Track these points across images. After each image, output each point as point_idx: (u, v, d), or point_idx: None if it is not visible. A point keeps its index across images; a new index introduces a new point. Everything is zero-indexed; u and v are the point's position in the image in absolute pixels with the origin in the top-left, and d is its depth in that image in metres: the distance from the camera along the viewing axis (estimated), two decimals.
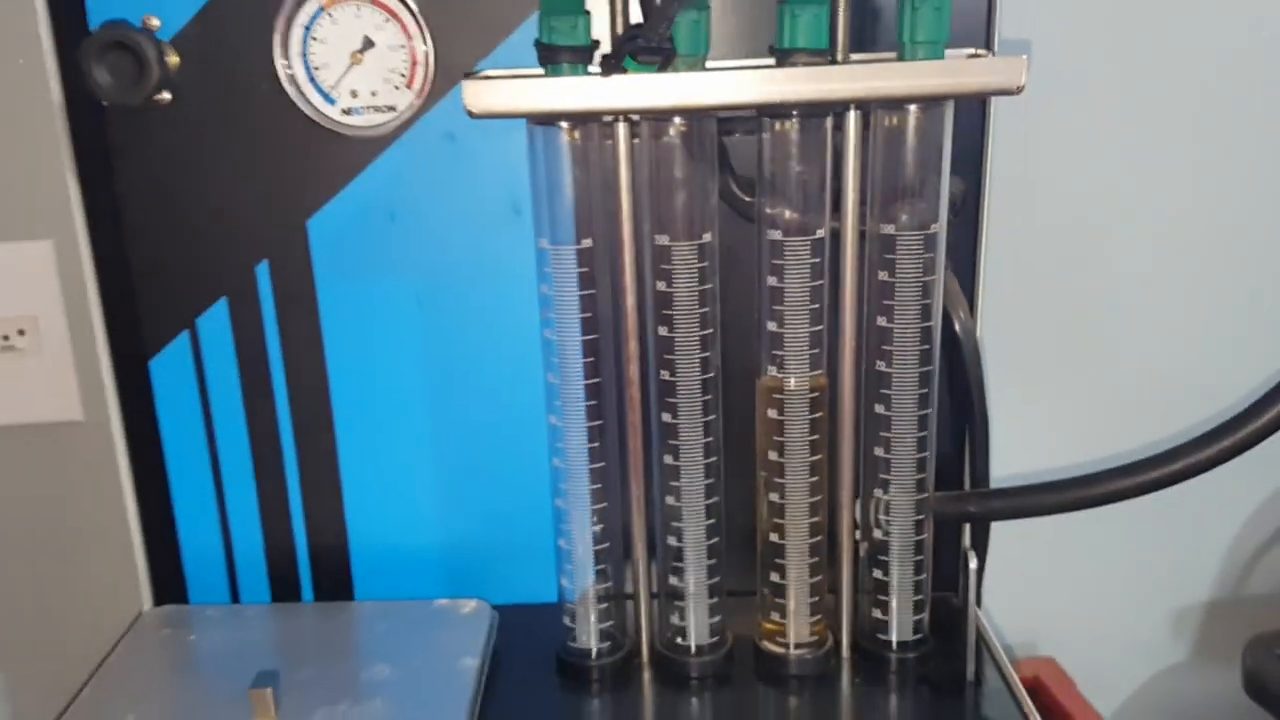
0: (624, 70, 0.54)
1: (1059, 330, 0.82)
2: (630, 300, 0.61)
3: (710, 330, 0.61)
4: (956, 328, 0.67)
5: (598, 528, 0.64)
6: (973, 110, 0.65)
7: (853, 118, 0.58)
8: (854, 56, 0.59)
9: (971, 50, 0.62)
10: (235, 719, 0.59)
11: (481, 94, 0.54)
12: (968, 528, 0.71)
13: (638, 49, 0.52)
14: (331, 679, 0.63)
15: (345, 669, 0.64)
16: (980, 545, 0.72)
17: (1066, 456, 0.82)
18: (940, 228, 0.59)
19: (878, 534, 0.65)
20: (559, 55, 0.56)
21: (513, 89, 0.54)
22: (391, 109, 0.66)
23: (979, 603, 0.71)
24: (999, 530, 0.75)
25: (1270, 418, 0.62)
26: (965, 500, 0.69)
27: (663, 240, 0.59)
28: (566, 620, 0.67)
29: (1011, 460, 0.80)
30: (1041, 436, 0.83)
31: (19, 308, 0.84)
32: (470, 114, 0.55)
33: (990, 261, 0.69)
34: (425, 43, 0.64)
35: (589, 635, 0.66)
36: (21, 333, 0.86)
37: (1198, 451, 0.64)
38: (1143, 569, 0.91)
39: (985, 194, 0.67)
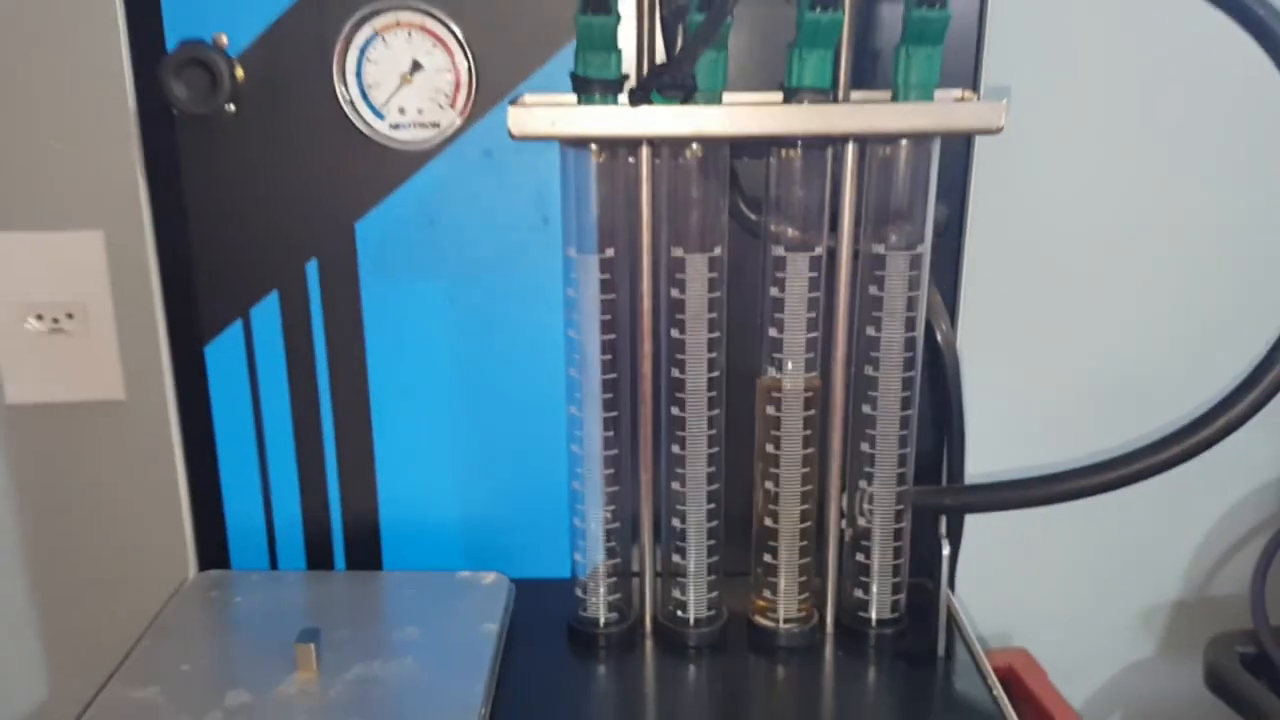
0: (650, 102, 0.61)
1: (1033, 339, 0.89)
2: (647, 304, 0.68)
3: (717, 334, 0.68)
4: (939, 338, 0.74)
5: (609, 509, 0.71)
6: (958, 141, 0.72)
7: (850, 149, 0.65)
8: (854, 94, 0.66)
9: (960, 92, 0.69)
10: (280, 670, 0.66)
11: (523, 119, 0.61)
12: (944, 519, 0.78)
13: (664, 85, 0.59)
14: (365, 639, 0.69)
15: (377, 630, 0.70)
16: (955, 535, 0.79)
17: (1040, 455, 0.88)
18: (925, 249, 0.66)
19: (861, 522, 0.72)
20: (592, 87, 0.63)
21: (551, 115, 0.61)
22: (435, 125, 0.73)
23: (952, 587, 0.78)
24: (979, 527, 0.81)
25: (1218, 426, 0.69)
26: (942, 494, 0.76)
27: (678, 252, 0.66)
28: (578, 592, 0.73)
29: (992, 458, 0.86)
30: (1017, 436, 0.90)
31: (69, 293, 0.91)
32: (512, 136, 0.62)
33: (971, 277, 0.76)
34: (468, 68, 0.71)
35: (599, 607, 0.73)
36: (70, 316, 0.93)
37: (1153, 455, 0.71)
38: (1115, 567, 0.96)
39: (968, 217, 0.74)
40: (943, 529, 0.78)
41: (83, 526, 0.93)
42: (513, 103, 0.63)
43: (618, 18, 0.61)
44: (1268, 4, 0.62)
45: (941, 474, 0.78)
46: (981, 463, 0.85)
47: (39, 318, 0.93)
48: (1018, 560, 0.96)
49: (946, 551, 0.70)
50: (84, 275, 0.90)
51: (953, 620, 0.74)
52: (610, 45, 0.62)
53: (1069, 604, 0.97)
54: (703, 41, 0.57)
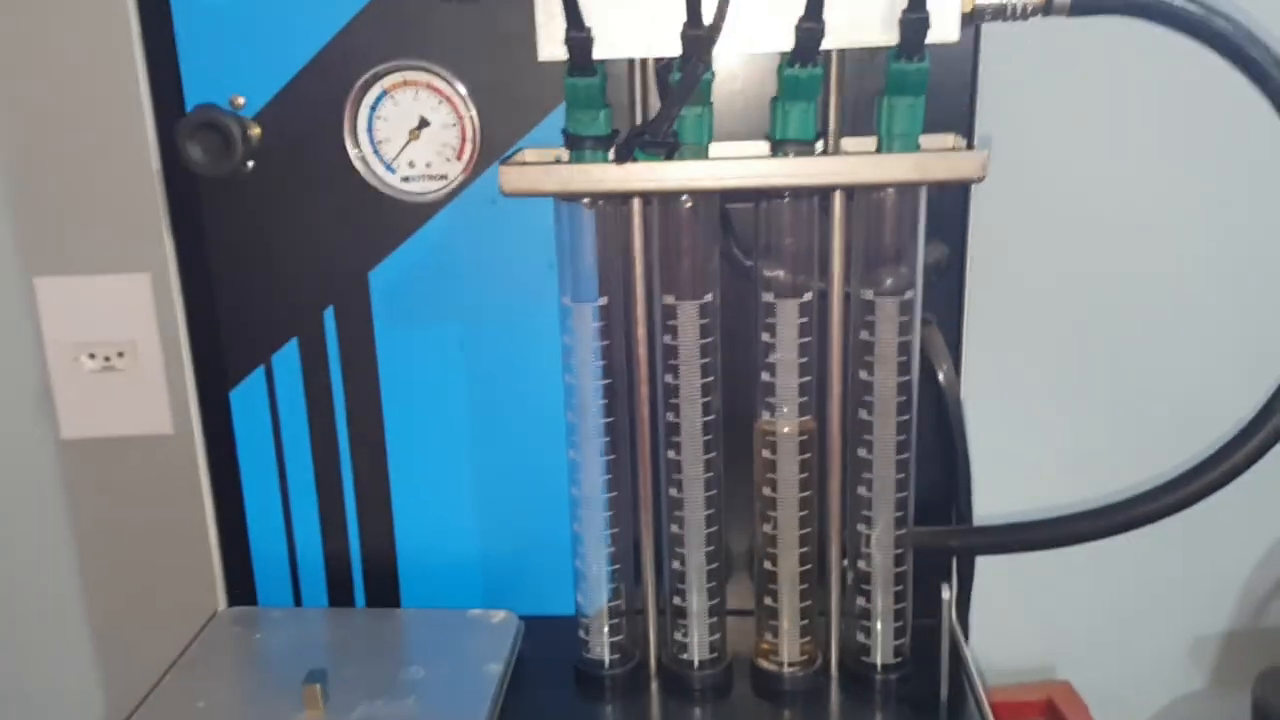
0: (634, 159, 0.62)
1: (1042, 376, 0.88)
2: (642, 351, 0.69)
3: (711, 378, 0.69)
4: (940, 378, 0.74)
5: (610, 550, 0.72)
6: None
7: (838, 197, 0.65)
8: (846, 142, 0.67)
9: (951, 138, 0.69)
10: (289, 709, 0.68)
11: (512, 177, 0.63)
12: (954, 560, 0.78)
13: (644, 143, 0.61)
14: (373, 678, 0.71)
15: (385, 669, 0.72)
16: (966, 576, 0.79)
17: (1056, 495, 0.87)
18: (915, 294, 0.67)
19: (861, 564, 0.72)
20: (583, 143, 0.65)
21: (537, 174, 0.63)
22: (443, 178, 0.75)
23: (965, 628, 0.78)
24: (1017, 555, 0.80)
25: (1224, 468, 0.68)
26: (947, 535, 0.75)
27: (669, 299, 0.67)
28: (581, 633, 0.75)
29: (1008, 497, 0.86)
30: (1031, 475, 0.89)
31: (121, 332, 0.96)
32: (503, 193, 0.64)
33: (973, 317, 0.75)
34: (473, 122, 0.74)
35: (602, 648, 0.74)
36: (121, 355, 0.98)
37: (1161, 497, 0.70)
38: (1163, 597, 0.94)
39: (969, 256, 0.74)
40: (953, 570, 0.78)
41: (120, 560, 0.98)
42: (504, 162, 0.65)
43: (603, 77, 0.63)
44: (1264, 46, 0.61)
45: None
46: (1000, 503, 0.84)
47: (91, 356, 0.98)
48: (1061, 589, 0.95)
49: (947, 596, 0.70)
50: (133, 315, 0.95)
51: (961, 664, 0.73)
52: (597, 103, 0.63)
53: (1114, 634, 0.96)
54: (677, 104, 0.59)
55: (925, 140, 0.66)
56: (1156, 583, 0.94)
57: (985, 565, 0.89)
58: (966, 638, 0.79)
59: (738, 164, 0.62)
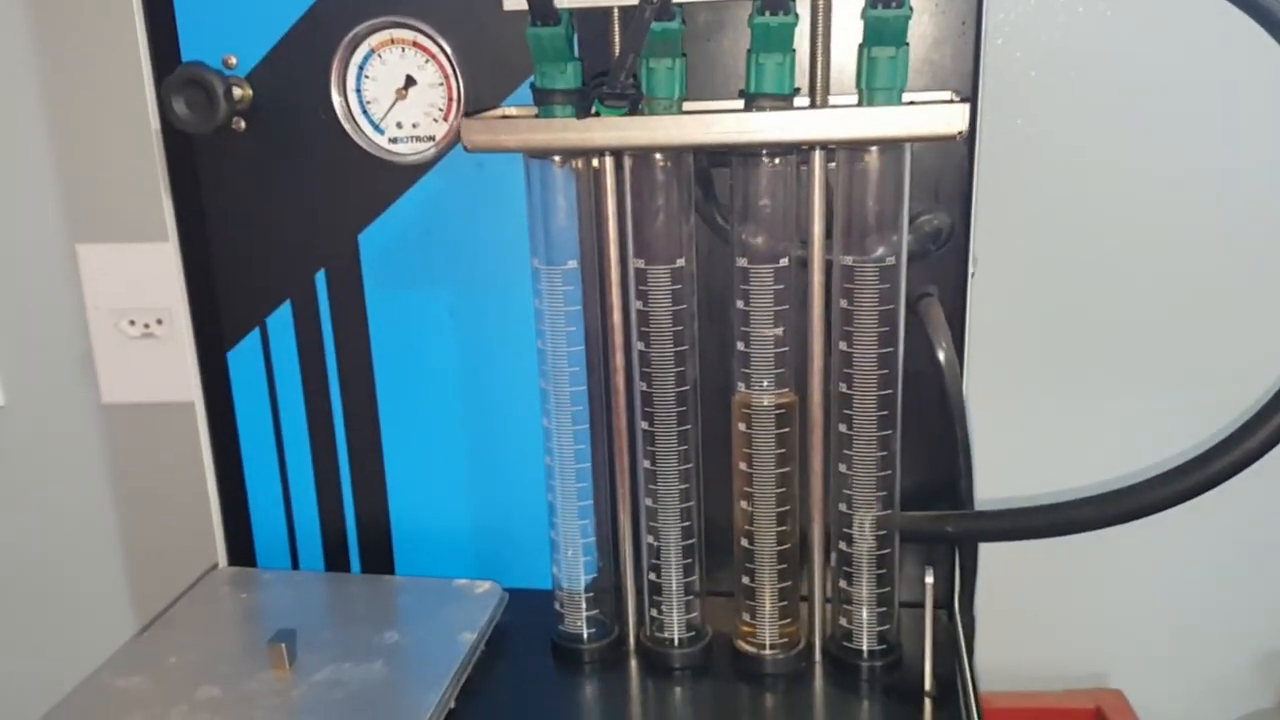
0: (595, 112, 0.60)
1: (1049, 355, 0.83)
2: (616, 317, 0.67)
3: (685, 347, 0.66)
4: (940, 356, 0.70)
5: (584, 522, 0.70)
6: (960, 146, 0.68)
7: (817, 156, 0.62)
8: (832, 98, 0.63)
9: (949, 95, 0.65)
10: (256, 668, 0.68)
11: (474, 132, 0.62)
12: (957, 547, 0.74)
13: (604, 95, 0.58)
14: (346, 641, 0.71)
15: (361, 633, 0.72)
16: (969, 563, 0.75)
17: (1060, 482, 0.82)
18: (899, 261, 0.63)
19: (844, 546, 0.68)
20: (551, 97, 0.63)
21: (500, 128, 0.62)
22: (431, 139, 0.74)
23: (967, 619, 0.74)
24: (1071, 553, 0.76)
25: (1238, 453, 0.63)
26: (943, 521, 0.71)
27: (639, 263, 0.65)
28: (557, 606, 0.73)
29: (1009, 484, 0.81)
30: (1034, 461, 0.84)
31: (161, 299, 0.97)
32: (466, 149, 0.63)
33: (978, 290, 0.71)
34: (459, 82, 0.72)
35: (578, 621, 0.72)
36: (160, 322, 1.00)
37: (1171, 483, 0.65)
38: (1229, 606, 0.89)
39: (973, 226, 0.70)
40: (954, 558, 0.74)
41: (130, 517, 1.00)
42: (468, 114, 0.63)
43: (569, 28, 0.61)
44: None
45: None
46: (1006, 488, 0.80)
47: (131, 323, 1.00)
48: (1117, 591, 0.90)
49: (930, 580, 0.66)
50: (168, 283, 0.97)
51: (957, 656, 0.69)
52: (563, 55, 0.61)
53: (1174, 643, 0.91)
54: (631, 51, 0.56)
55: (919, 98, 0.63)
56: (1223, 590, 0.89)
57: (1029, 564, 0.85)
58: (970, 630, 0.75)
59: (703, 119, 0.59)
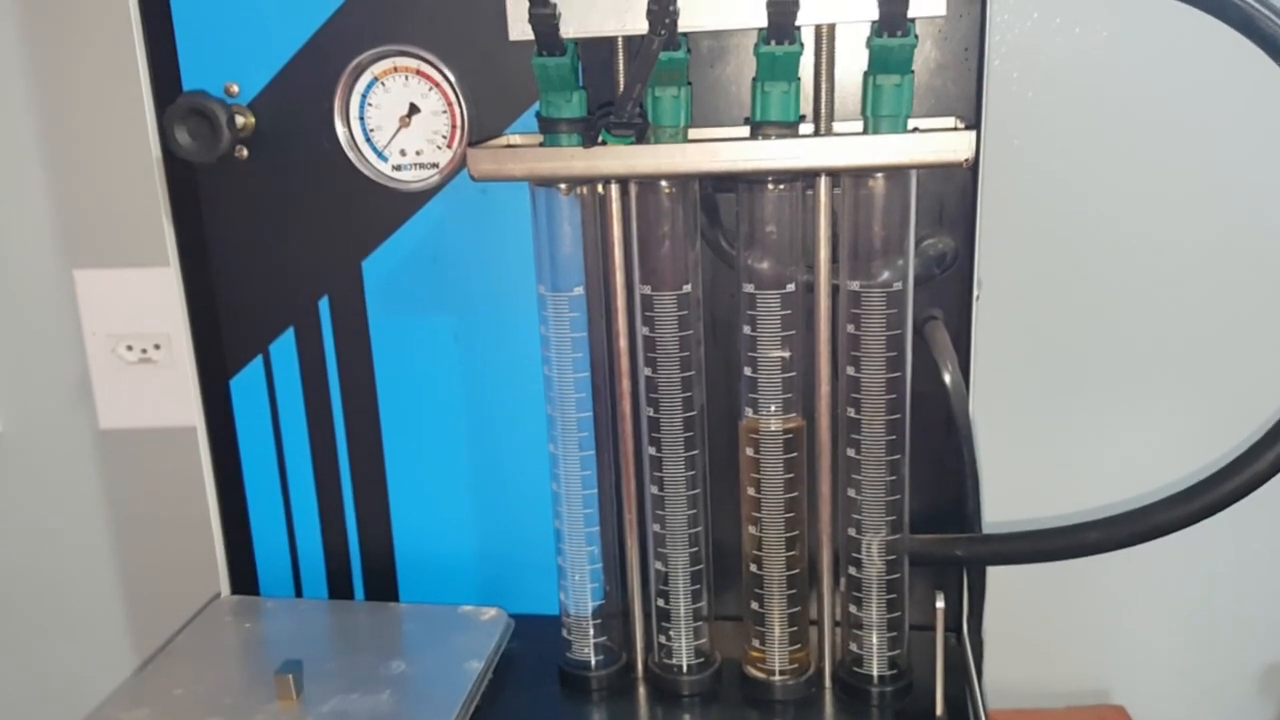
0: (601, 141, 0.60)
1: (1055, 377, 0.84)
2: (623, 343, 0.67)
3: (692, 373, 0.66)
4: (946, 379, 0.70)
5: (591, 549, 0.70)
6: (964, 171, 0.68)
7: (823, 183, 0.62)
8: (837, 125, 0.63)
9: (953, 121, 0.65)
10: (263, 699, 0.67)
11: (480, 161, 0.62)
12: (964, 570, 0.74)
13: (610, 124, 0.58)
14: (353, 671, 0.70)
15: (367, 663, 0.71)
16: (977, 587, 0.75)
17: (1068, 504, 0.83)
18: (906, 287, 0.63)
19: (853, 571, 0.68)
20: (557, 126, 0.63)
21: (505, 157, 0.62)
22: (435, 166, 0.74)
23: (976, 642, 0.74)
24: (1073, 571, 0.76)
25: (1247, 475, 0.63)
26: (952, 544, 0.71)
27: (646, 289, 0.65)
28: (565, 633, 0.73)
29: (1017, 506, 0.81)
30: (1041, 484, 0.84)
31: (158, 325, 0.97)
32: (472, 178, 0.63)
33: (983, 314, 0.71)
34: (463, 109, 0.72)
35: (586, 648, 0.72)
36: (158, 347, 0.99)
37: (1178, 506, 0.65)
38: (1232, 620, 0.90)
39: (977, 249, 0.70)
40: (962, 580, 0.74)
41: (156, 543, 1.00)
42: (472, 143, 0.63)
43: (575, 58, 0.61)
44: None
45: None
46: (1014, 511, 0.80)
47: (129, 348, 1.00)
48: (1120, 609, 0.90)
49: (941, 605, 0.66)
50: (167, 308, 0.96)
51: (967, 680, 0.69)
52: (569, 85, 0.61)
53: (1176, 658, 0.91)
54: (637, 81, 0.56)
55: (923, 124, 0.63)
56: (1224, 605, 0.89)
57: (1032, 580, 0.85)
58: (979, 652, 0.75)
59: (709, 148, 0.59)
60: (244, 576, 0.84)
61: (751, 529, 0.68)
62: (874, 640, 0.69)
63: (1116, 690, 0.92)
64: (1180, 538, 0.67)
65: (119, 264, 0.96)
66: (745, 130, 0.62)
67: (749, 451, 0.67)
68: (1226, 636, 0.90)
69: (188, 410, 0.99)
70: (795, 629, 0.69)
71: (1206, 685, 0.91)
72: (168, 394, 1.00)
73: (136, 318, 0.98)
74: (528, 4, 0.58)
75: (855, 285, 0.63)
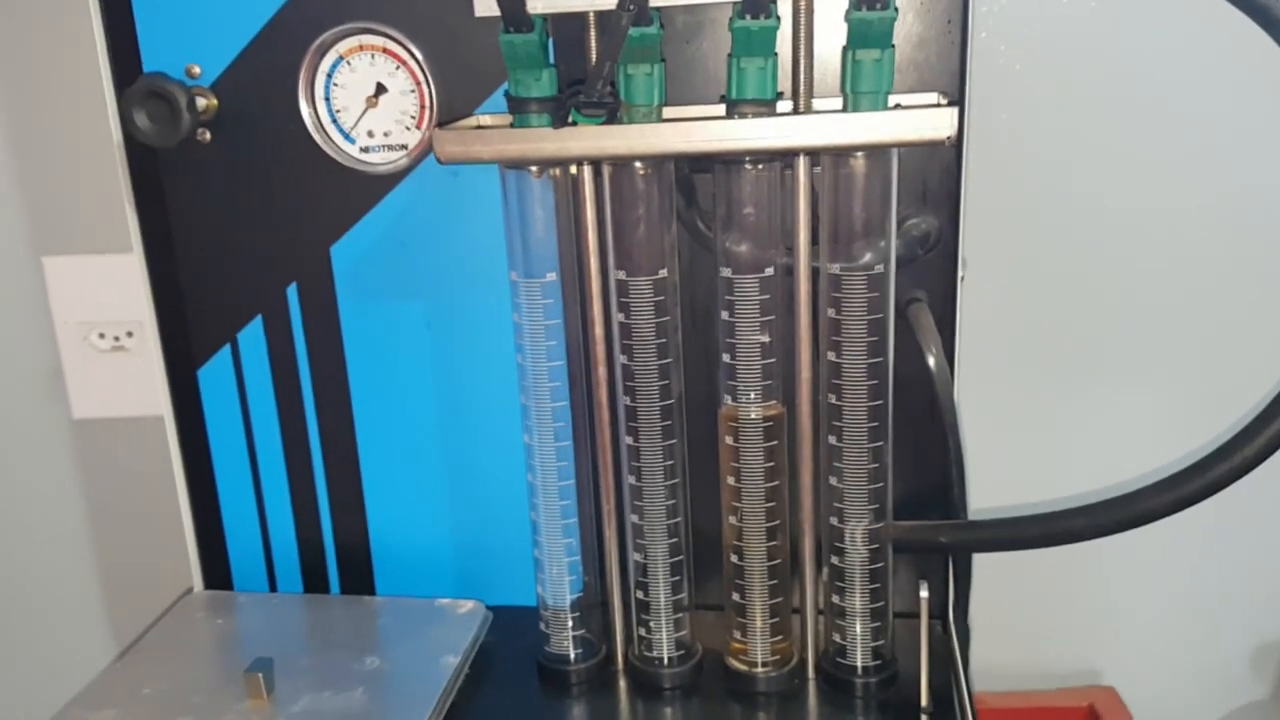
0: (571, 122, 0.58)
1: (1041, 359, 0.82)
2: (598, 330, 0.65)
3: (669, 360, 0.64)
4: (930, 363, 0.68)
5: (568, 540, 0.68)
6: (948, 150, 0.67)
7: (802, 163, 0.60)
8: (816, 103, 0.61)
9: (936, 97, 0.63)
10: (233, 698, 0.66)
11: (446, 144, 0.60)
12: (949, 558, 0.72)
13: (580, 103, 0.56)
14: (326, 667, 0.69)
15: (340, 659, 0.70)
16: (963, 573, 0.73)
17: (1054, 490, 0.81)
18: (888, 269, 0.61)
19: (836, 560, 0.67)
20: (526, 106, 0.60)
21: (473, 139, 0.60)
22: (403, 147, 0.72)
23: (963, 630, 0.72)
24: (1062, 551, 0.75)
25: (1238, 460, 0.62)
26: (935, 531, 0.70)
27: (620, 275, 0.63)
28: (543, 626, 0.71)
29: (1003, 493, 0.80)
30: (1028, 470, 0.83)
31: (129, 313, 0.95)
32: (439, 161, 0.60)
33: (968, 296, 0.69)
34: (431, 88, 0.70)
35: (565, 641, 0.71)
36: (130, 334, 0.97)
37: (1165, 492, 0.64)
38: (1223, 599, 0.89)
39: (962, 228, 0.68)
40: (948, 568, 0.72)
41: (131, 535, 0.98)
42: (440, 124, 0.61)
43: (543, 35, 0.59)
44: None
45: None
46: (999, 497, 0.79)
47: (101, 336, 0.97)
48: (1110, 590, 0.89)
49: (925, 594, 0.64)
50: (136, 296, 0.94)
51: (953, 668, 0.68)
52: (537, 63, 0.59)
53: (1167, 638, 0.91)
54: (608, 58, 0.54)
55: (905, 100, 0.61)
56: (1214, 585, 0.88)
57: (1021, 562, 0.83)
58: (966, 640, 0.74)
59: (683, 128, 0.57)
60: (217, 569, 0.83)
61: (732, 518, 0.66)
62: (858, 630, 0.67)
63: (1107, 671, 0.92)
64: (1171, 518, 0.65)
65: (87, 250, 0.93)
66: (721, 108, 0.60)
67: (729, 440, 0.65)
68: (1218, 616, 0.89)
69: (159, 400, 0.97)
70: (777, 620, 0.68)
71: (1199, 665, 0.91)
72: (141, 383, 0.97)
73: (107, 305, 0.96)
74: None
75: (836, 268, 0.61)
